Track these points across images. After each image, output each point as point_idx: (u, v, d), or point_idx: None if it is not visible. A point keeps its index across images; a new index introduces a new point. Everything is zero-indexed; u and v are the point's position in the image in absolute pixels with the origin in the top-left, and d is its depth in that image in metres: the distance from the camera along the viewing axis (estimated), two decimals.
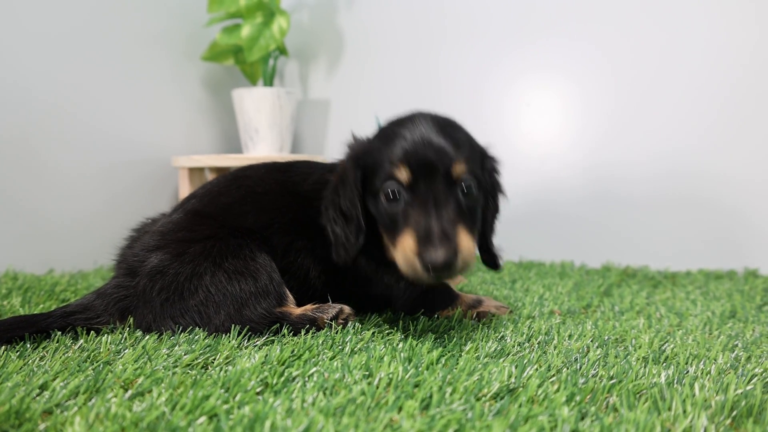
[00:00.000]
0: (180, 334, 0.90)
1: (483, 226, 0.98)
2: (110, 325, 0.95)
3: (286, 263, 1.01)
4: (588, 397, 0.67)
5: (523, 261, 1.75)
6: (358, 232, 0.93)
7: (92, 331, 0.94)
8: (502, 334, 0.95)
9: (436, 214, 0.83)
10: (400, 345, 0.86)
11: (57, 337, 0.89)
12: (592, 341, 0.91)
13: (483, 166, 0.96)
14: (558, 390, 0.69)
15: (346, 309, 0.98)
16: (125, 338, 0.89)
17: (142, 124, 1.88)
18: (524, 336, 0.94)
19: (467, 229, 0.85)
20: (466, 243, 0.83)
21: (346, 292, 1.04)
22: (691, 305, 1.16)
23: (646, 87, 1.68)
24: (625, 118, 1.70)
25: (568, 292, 1.31)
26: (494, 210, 1.01)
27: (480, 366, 0.77)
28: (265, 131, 1.93)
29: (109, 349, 0.83)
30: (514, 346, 0.88)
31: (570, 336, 0.95)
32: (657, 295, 1.26)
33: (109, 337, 0.90)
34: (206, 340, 0.86)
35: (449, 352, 0.85)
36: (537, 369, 0.76)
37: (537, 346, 0.89)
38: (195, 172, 1.87)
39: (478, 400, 0.67)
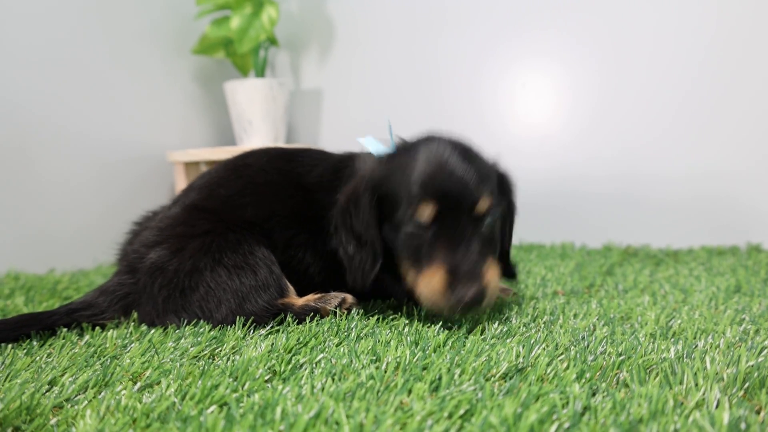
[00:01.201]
0: (185, 327, 0.90)
1: (501, 243, 0.97)
2: (115, 320, 0.95)
3: (287, 257, 0.99)
4: (598, 373, 0.67)
5: (523, 244, 1.75)
6: (375, 260, 0.91)
7: (98, 327, 0.93)
8: (507, 315, 0.95)
9: (464, 250, 0.82)
10: (406, 329, 0.86)
11: (63, 333, 0.89)
12: (597, 319, 0.91)
13: (501, 189, 0.96)
14: (567, 368, 0.68)
15: (349, 298, 0.98)
16: (131, 333, 0.89)
17: (136, 121, 1.86)
18: (529, 317, 0.94)
19: (492, 261, 0.85)
20: (494, 279, 0.83)
21: (347, 289, 1.03)
22: (695, 281, 1.17)
23: (632, 69, 1.67)
24: (616, 98, 1.70)
25: (571, 272, 1.31)
26: (511, 226, 1.01)
27: (487, 347, 0.77)
28: (258, 123, 1.92)
29: (115, 344, 0.83)
30: (519, 327, 0.88)
31: (575, 315, 0.95)
32: (660, 273, 1.26)
33: (115, 332, 0.89)
34: (212, 332, 0.85)
35: (455, 334, 0.84)
36: (545, 348, 0.76)
37: (543, 326, 0.89)
38: (191, 166, 1.86)
39: (487, 380, 0.67)
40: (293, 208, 1.01)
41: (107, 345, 0.82)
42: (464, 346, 0.78)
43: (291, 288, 0.96)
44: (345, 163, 1.04)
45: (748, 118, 1.55)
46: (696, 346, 0.75)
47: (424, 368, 0.71)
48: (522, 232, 1.81)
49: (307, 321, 0.91)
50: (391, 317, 0.96)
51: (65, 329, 0.91)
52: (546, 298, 1.08)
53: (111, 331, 0.90)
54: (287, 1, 2.19)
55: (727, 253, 1.43)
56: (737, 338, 0.79)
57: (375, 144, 1.00)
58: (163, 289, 0.90)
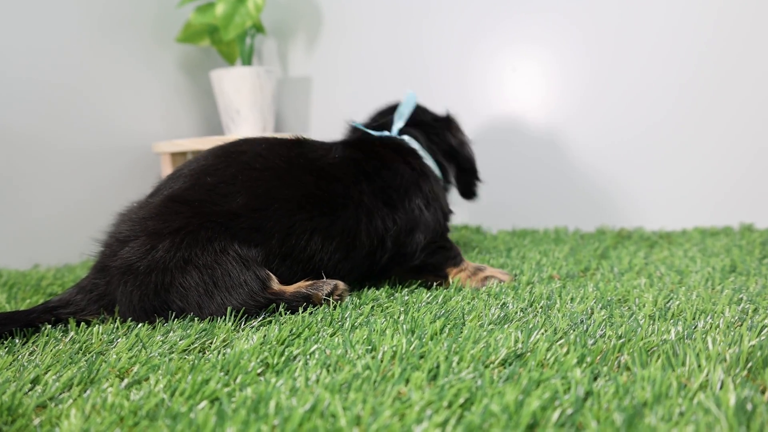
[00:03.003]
0: (173, 320, 0.87)
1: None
2: (100, 316, 0.92)
3: (287, 248, 0.95)
4: (598, 357, 0.66)
5: (516, 229, 1.74)
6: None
7: (83, 323, 0.91)
8: (503, 301, 0.94)
9: None
10: (402, 317, 0.84)
11: (47, 330, 0.86)
12: (595, 303, 0.90)
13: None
14: (567, 352, 0.67)
15: (341, 285, 0.96)
16: (117, 327, 0.86)
17: (120, 111, 1.82)
18: (526, 302, 0.92)
19: None
20: None
21: (357, 263, 1.03)
22: (691, 262, 1.16)
23: (624, 53, 1.65)
24: (602, 82, 1.68)
25: (565, 256, 1.30)
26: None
27: (485, 333, 0.75)
28: (246, 112, 1.89)
29: (101, 340, 0.80)
30: (516, 312, 0.86)
31: (572, 299, 0.94)
32: (655, 255, 1.25)
33: (101, 327, 0.87)
34: (201, 325, 0.83)
35: (452, 321, 0.83)
36: (543, 333, 0.75)
37: (540, 311, 0.87)
38: (177, 157, 1.82)
39: (486, 367, 0.65)
40: (302, 193, 0.98)
41: (93, 341, 0.80)
42: (461, 333, 0.77)
43: (272, 276, 0.92)
44: (356, 140, 1.15)
45: (745, 106, 1.54)
46: (696, 327, 0.74)
47: (422, 356, 0.69)
48: (514, 218, 1.80)
49: (300, 311, 0.89)
50: (386, 305, 0.94)
51: (49, 326, 0.88)
52: (542, 283, 1.07)
53: (96, 326, 0.87)
54: None
55: (720, 234, 1.42)
56: (737, 318, 0.77)
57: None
58: (135, 291, 0.87)
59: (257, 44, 2.22)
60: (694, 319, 0.79)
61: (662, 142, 1.62)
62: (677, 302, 0.87)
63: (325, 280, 0.96)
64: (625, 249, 1.34)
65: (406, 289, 1.06)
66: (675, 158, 1.61)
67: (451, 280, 1.09)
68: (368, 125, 1.23)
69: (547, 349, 0.68)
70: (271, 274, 0.91)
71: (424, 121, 1.24)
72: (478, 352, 0.69)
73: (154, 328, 0.85)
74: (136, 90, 1.87)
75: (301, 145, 1.07)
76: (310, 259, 0.98)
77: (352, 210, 1.01)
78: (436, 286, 1.09)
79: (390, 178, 1.08)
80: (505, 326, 0.80)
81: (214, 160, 1.00)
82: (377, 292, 1.03)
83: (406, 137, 1.18)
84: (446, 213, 1.15)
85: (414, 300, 0.98)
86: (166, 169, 1.78)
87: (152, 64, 1.94)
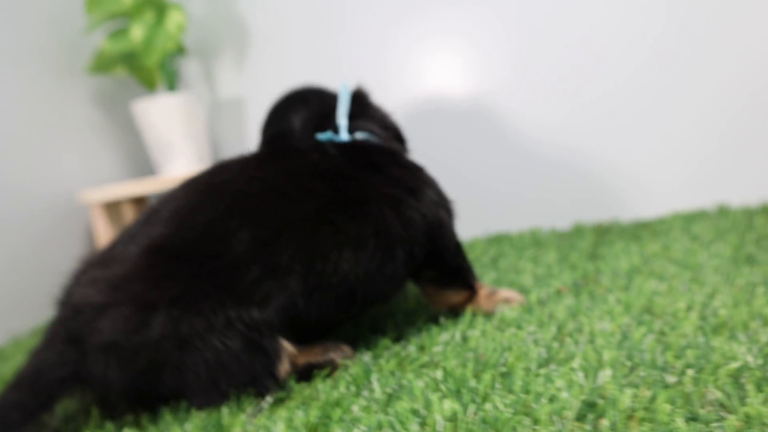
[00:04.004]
0: (169, 413, 0.72)
1: None
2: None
3: (314, 278, 0.78)
4: (688, 398, 0.58)
5: (490, 235, 1.67)
6: None
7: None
8: (528, 331, 0.85)
9: None
10: (438, 373, 0.73)
11: None
12: (628, 320, 0.83)
13: None
14: (654, 398, 0.59)
15: (347, 348, 0.84)
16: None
17: (27, 161, 1.56)
18: (553, 331, 0.84)
19: None
20: None
21: (397, 271, 0.88)
22: (691, 255, 1.12)
23: (573, 26, 1.62)
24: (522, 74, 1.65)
25: (558, 262, 1.24)
26: None
27: (540, 381, 0.66)
28: (180, 144, 1.70)
29: None
30: (551, 345, 0.78)
31: (600, 317, 0.87)
32: (647, 249, 1.22)
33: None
34: (204, 417, 0.68)
35: (492, 368, 0.73)
36: (602, 371, 0.66)
37: (573, 340, 0.79)
38: (112, 207, 1.59)
39: (567, 428, 0.56)
40: (319, 203, 0.82)
41: None
42: (514, 384, 0.67)
43: (286, 348, 0.78)
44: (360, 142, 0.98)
45: (707, 84, 1.55)
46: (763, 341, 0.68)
47: (485, 422, 0.59)
48: (487, 222, 1.73)
49: (318, 385, 0.76)
50: (404, 355, 0.83)
51: None
52: (553, 301, 1.00)
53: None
54: (189, 3, 1.96)
55: (697, 218, 1.41)
56: None
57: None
58: (123, 374, 0.71)
59: (178, 66, 2.03)
60: (747, 328, 0.73)
61: (623, 127, 1.60)
62: (714, 308, 0.81)
63: (330, 344, 0.83)
64: (611, 247, 1.30)
65: (412, 327, 0.95)
66: (637, 143, 1.60)
67: (477, 299, 0.97)
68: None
69: (621, 392, 0.60)
70: (284, 344, 0.77)
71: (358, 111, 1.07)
72: (548, 408, 0.59)
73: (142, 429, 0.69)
74: (44, 132, 1.62)
75: (288, 153, 0.91)
76: (342, 282, 0.81)
77: (375, 203, 0.86)
78: (444, 313, 0.99)
79: (399, 172, 0.94)
80: (552, 367, 0.71)
81: (198, 196, 0.82)
82: (383, 338, 0.92)
83: (364, 134, 1.02)
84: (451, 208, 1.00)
85: (429, 342, 0.87)
86: (99, 223, 1.55)
87: (61, 98, 1.70)
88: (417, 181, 0.93)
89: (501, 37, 1.68)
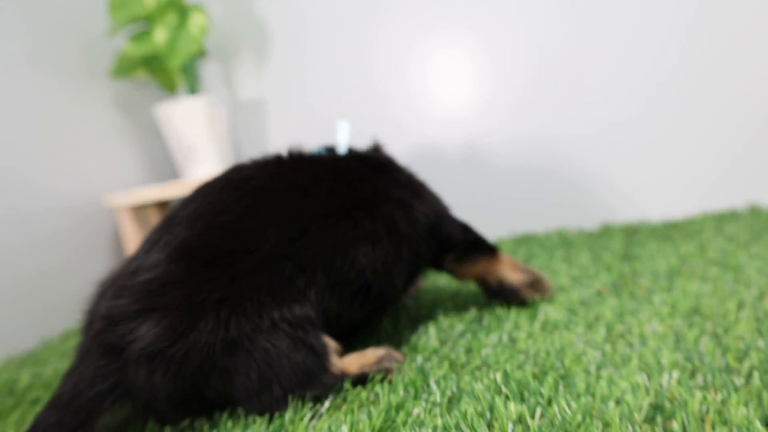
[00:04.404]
0: (226, 421, 0.72)
1: None
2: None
3: (335, 273, 0.79)
4: (761, 401, 0.58)
5: (516, 235, 1.67)
6: None
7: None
8: (576, 332, 0.85)
9: None
10: (497, 377, 0.72)
11: None
12: (680, 321, 0.83)
13: None
14: (726, 401, 0.58)
15: (397, 354, 0.84)
16: None
17: (53, 164, 1.56)
18: (601, 332, 0.83)
19: None
20: None
21: (406, 263, 0.92)
22: (731, 256, 1.12)
23: (597, 39, 1.62)
24: (577, 68, 1.64)
25: (592, 263, 1.24)
26: None
27: (603, 383, 0.66)
28: (204, 147, 1.70)
29: None
30: (605, 347, 0.77)
31: (648, 320, 0.86)
32: (681, 250, 1.21)
33: None
34: (264, 424, 0.68)
35: (549, 369, 0.73)
36: (667, 373, 0.66)
37: (626, 342, 0.79)
38: (140, 211, 1.59)
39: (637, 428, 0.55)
40: (340, 201, 0.85)
41: None
42: (576, 387, 0.67)
43: (331, 345, 0.78)
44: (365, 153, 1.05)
45: (737, 84, 1.54)
46: None
47: (553, 425, 0.59)
48: (513, 223, 1.73)
49: (377, 389, 0.75)
50: (454, 359, 0.82)
51: None
52: (596, 302, 0.99)
53: None
54: (209, 5, 1.96)
55: (728, 218, 1.41)
56: None
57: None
58: (169, 382, 0.70)
59: (198, 69, 2.03)
60: None
61: (648, 128, 1.60)
62: (765, 309, 0.81)
63: (377, 351, 0.83)
64: (644, 247, 1.29)
65: (453, 330, 0.95)
66: (663, 144, 1.60)
67: (499, 263, 1.03)
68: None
69: (690, 395, 0.60)
70: (329, 342, 0.76)
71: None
72: (617, 410, 0.59)
73: None
74: (70, 134, 1.63)
75: (302, 156, 0.95)
76: (359, 277, 0.83)
77: (386, 203, 0.90)
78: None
79: (403, 177, 1.02)
80: (609, 369, 0.71)
81: (220, 194, 0.82)
82: (427, 338, 0.91)
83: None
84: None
85: (476, 344, 0.87)
86: (127, 228, 1.54)
87: (84, 102, 1.70)
88: (418, 185, 1.01)
89: (539, 33, 1.68)
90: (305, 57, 1.89)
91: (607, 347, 0.78)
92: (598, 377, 0.68)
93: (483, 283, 1.04)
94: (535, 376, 0.71)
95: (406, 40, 1.79)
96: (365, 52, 1.83)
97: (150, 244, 0.78)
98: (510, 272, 1.02)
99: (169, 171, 1.98)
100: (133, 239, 1.51)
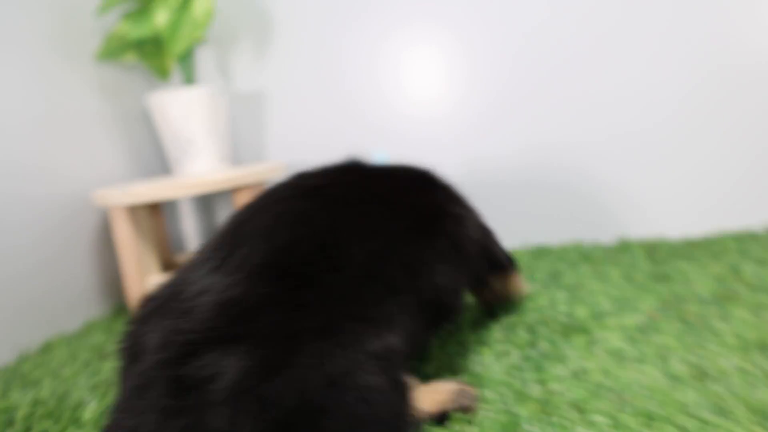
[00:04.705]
0: None
1: None
2: None
3: (417, 294, 0.74)
4: None
5: (529, 246, 1.63)
6: None
7: None
8: (652, 365, 0.81)
9: None
10: (600, 419, 0.67)
11: None
12: (763, 358, 0.80)
13: None
14: None
15: (470, 389, 0.78)
16: None
17: (32, 156, 1.38)
18: (679, 368, 0.80)
19: None
20: None
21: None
22: None
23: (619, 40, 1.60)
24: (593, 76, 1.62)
25: (627, 282, 1.21)
26: None
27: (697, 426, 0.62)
28: (202, 141, 1.57)
29: None
30: (694, 385, 0.74)
31: (720, 353, 0.84)
32: (712, 271, 1.20)
33: None
34: None
35: (662, 419, 0.68)
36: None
37: (723, 379, 0.76)
38: (137, 211, 1.43)
39: None
40: (414, 214, 0.81)
41: None
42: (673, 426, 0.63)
43: (410, 384, 0.71)
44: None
45: (758, 95, 1.55)
46: None
47: None
48: (528, 233, 1.69)
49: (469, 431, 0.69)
50: (532, 394, 0.77)
51: None
52: (652, 329, 0.96)
53: None
54: None
55: (746, 238, 1.42)
56: None
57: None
58: (257, 423, 0.61)
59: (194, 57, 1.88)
60: None
61: (665, 140, 1.60)
62: None
63: (455, 386, 0.76)
64: (671, 266, 1.28)
65: (510, 359, 0.90)
66: (679, 157, 1.59)
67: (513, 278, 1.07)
68: None
69: None
70: (408, 381, 0.69)
71: None
72: None
73: None
74: (52, 124, 1.46)
75: (363, 164, 0.91)
76: (437, 297, 0.79)
77: (448, 220, 0.88)
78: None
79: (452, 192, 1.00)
80: (717, 415, 0.67)
81: (292, 203, 0.75)
82: (483, 366, 0.86)
83: None
84: None
85: (546, 377, 0.82)
86: (122, 227, 1.39)
87: (65, 88, 1.53)
88: (464, 199, 0.98)
89: (560, 32, 1.64)
90: (307, 47, 1.79)
91: (696, 384, 0.75)
92: (716, 427, 0.65)
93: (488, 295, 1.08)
94: (645, 425, 0.66)
95: (413, 32, 1.71)
96: (372, 43, 1.75)
97: (214, 259, 0.68)
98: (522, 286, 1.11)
99: (158, 165, 1.83)
100: (129, 240, 1.38)
